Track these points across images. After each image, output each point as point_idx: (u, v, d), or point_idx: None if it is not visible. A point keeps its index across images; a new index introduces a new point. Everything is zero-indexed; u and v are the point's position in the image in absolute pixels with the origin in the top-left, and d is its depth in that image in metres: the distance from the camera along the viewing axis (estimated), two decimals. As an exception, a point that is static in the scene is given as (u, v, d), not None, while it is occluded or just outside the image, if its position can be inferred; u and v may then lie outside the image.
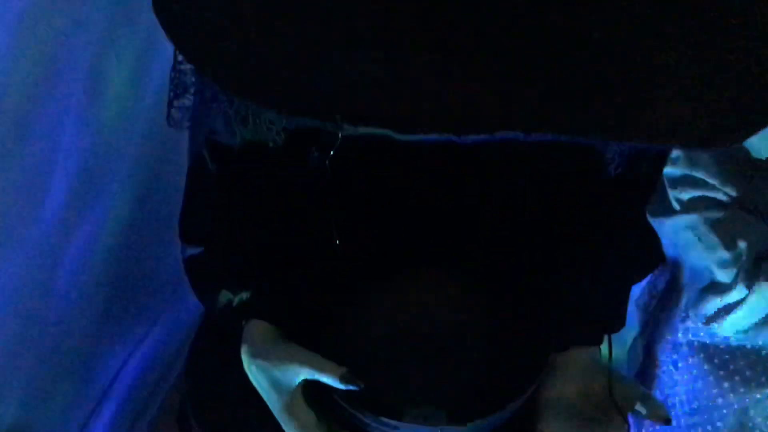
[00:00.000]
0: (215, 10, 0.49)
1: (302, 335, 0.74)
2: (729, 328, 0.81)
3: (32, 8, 0.73)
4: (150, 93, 1.01)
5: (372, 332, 0.78)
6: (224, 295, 0.78)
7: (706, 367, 0.90)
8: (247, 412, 0.78)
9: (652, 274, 1.04)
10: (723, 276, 0.77)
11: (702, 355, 0.90)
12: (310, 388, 0.72)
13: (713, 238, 0.76)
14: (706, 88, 0.45)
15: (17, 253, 0.84)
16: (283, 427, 0.73)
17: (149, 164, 1.09)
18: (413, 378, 0.77)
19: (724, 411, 0.92)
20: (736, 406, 0.92)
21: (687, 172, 0.77)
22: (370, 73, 0.43)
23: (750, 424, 0.94)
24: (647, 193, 0.82)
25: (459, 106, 0.42)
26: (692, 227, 0.77)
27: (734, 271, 0.76)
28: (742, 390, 0.90)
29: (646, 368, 0.98)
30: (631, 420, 0.79)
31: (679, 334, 0.91)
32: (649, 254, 0.86)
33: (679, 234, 0.79)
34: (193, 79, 0.76)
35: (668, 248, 0.82)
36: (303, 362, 0.70)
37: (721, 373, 0.90)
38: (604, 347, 0.82)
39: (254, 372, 0.74)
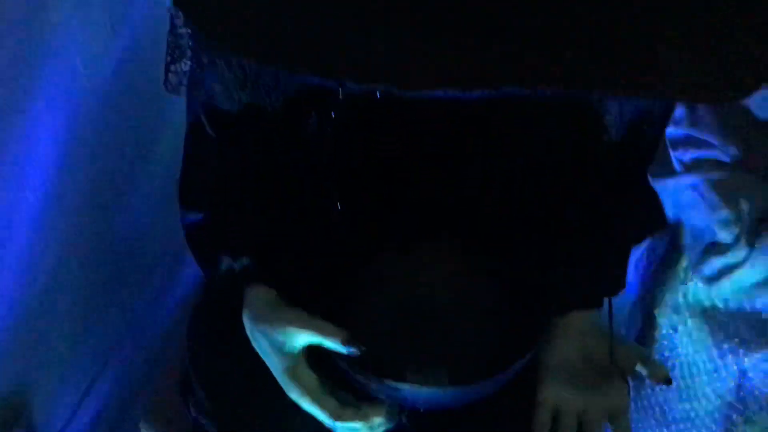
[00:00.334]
0: None
1: (304, 300, 0.74)
2: (730, 288, 0.81)
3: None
4: (140, 59, 1.00)
5: (374, 295, 0.79)
6: (225, 261, 0.78)
7: (705, 329, 0.91)
8: (249, 377, 0.78)
9: (652, 238, 1.04)
10: (724, 236, 0.77)
11: (701, 318, 0.91)
12: (312, 351, 0.72)
13: (715, 199, 0.76)
14: (712, 43, 0.45)
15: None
16: (286, 390, 0.73)
17: (146, 126, 1.08)
18: (415, 340, 0.77)
19: (724, 373, 0.93)
20: (735, 368, 0.92)
21: (689, 132, 0.77)
22: (374, 30, 0.43)
23: (749, 386, 0.95)
24: (648, 156, 0.82)
25: (464, 63, 0.42)
26: (694, 188, 0.77)
27: (736, 231, 0.76)
28: (741, 352, 0.90)
29: (645, 331, 0.98)
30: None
31: (679, 297, 0.92)
32: (650, 217, 0.86)
33: (681, 195, 0.79)
34: (190, 44, 0.75)
35: (669, 209, 0.82)
36: (305, 326, 0.71)
37: (721, 335, 0.90)
38: (604, 312, 0.83)
39: (257, 337, 0.74)
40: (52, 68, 0.80)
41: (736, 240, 0.76)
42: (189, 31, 0.73)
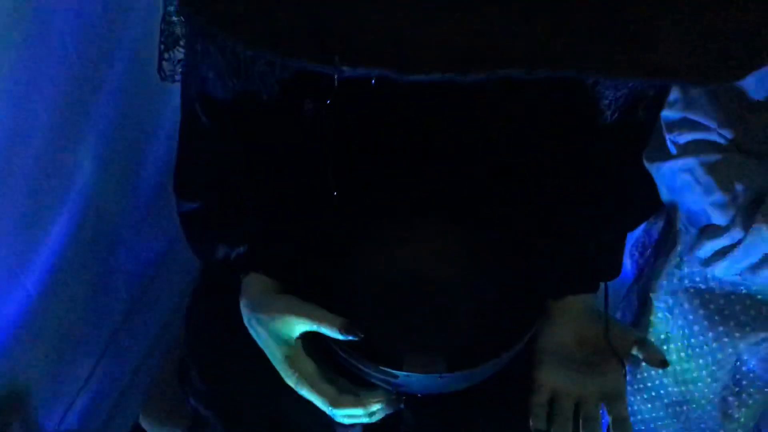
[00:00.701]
0: None
1: (300, 287, 0.74)
2: (725, 270, 0.81)
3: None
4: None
5: (370, 283, 0.79)
6: (221, 250, 0.78)
7: (701, 312, 0.91)
8: (247, 366, 0.78)
9: (647, 223, 1.04)
10: (719, 218, 0.77)
11: (697, 301, 0.91)
12: (309, 339, 0.72)
13: (710, 181, 0.76)
14: (705, 25, 0.45)
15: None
16: (284, 378, 0.73)
17: (141, 114, 1.08)
18: (412, 327, 0.77)
19: (719, 356, 0.93)
20: (730, 351, 0.93)
21: (684, 115, 0.77)
22: (370, 13, 0.42)
23: (744, 368, 0.95)
24: (643, 139, 0.82)
25: (460, 45, 0.42)
26: (689, 170, 0.77)
27: (731, 213, 0.76)
28: (737, 335, 0.91)
29: (641, 315, 0.98)
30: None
31: (675, 280, 0.92)
32: (645, 201, 0.86)
33: (676, 177, 0.79)
34: (183, 31, 0.74)
35: (665, 193, 0.82)
36: (302, 314, 0.71)
37: (716, 318, 0.91)
38: (600, 296, 0.83)
39: (254, 325, 0.74)
40: (46, 57, 0.80)
41: (731, 222, 0.76)
42: (182, 18, 0.73)
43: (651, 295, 0.95)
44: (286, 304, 0.72)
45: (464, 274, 0.80)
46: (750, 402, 0.98)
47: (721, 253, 0.78)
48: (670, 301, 0.93)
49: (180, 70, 0.75)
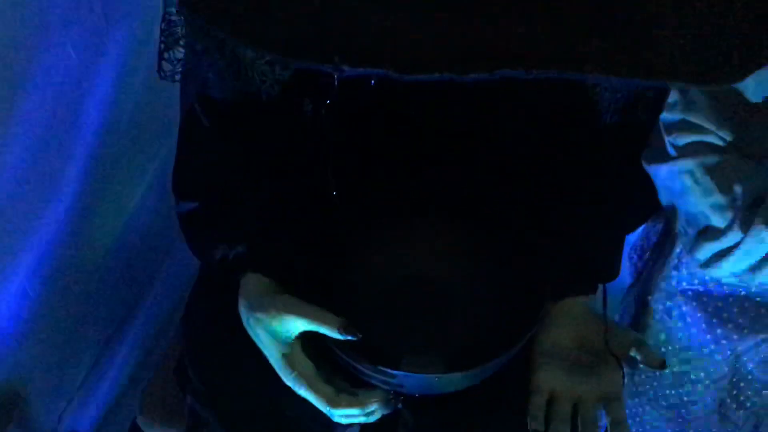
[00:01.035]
0: None
1: (299, 287, 0.74)
2: (723, 272, 0.81)
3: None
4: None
5: (369, 283, 0.79)
6: (220, 250, 0.78)
7: (699, 314, 0.91)
8: (245, 365, 0.79)
9: (646, 226, 1.04)
10: (718, 221, 0.77)
11: (695, 303, 0.91)
12: (308, 339, 0.72)
13: (709, 183, 0.76)
14: (706, 26, 0.45)
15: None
16: (283, 378, 0.73)
17: (141, 114, 1.08)
18: (410, 328, 0.77)
19: (718, 357, 0.93)
20: (729, 353, 0.93)
21: (683, 116, 0.77)
22: (370, 13, 0.42)
23: (743, 371, 0.95)
24: (642, 141, 0.82)
25: (460, 45, 0.41)
26: (688, 172, 0.77)
27: (729, 215, 0.76)
28: (735, 337, 0.91)
29: (639, 317, 0.98)
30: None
31: (673, 282, 0.92)
32: (644, 203, 0.86)
33: (675, 179, 0.79)
34: (183, 31, 0.74)
35: (663, 195, 0.82)
36: (301, 314, 0.71)
37: (715, 320, 0.90)
38: (598, 297, 0.83)
39: (252, 325, 0.74)
40: (45, 56, 0.80)
41: (730, 224, 0.76)
42: (182, 18, 0.73)
43: (649, 297, 0.95)
44: (284, 303, 0.72)
45: (463, 274, 0.80)
46: (748, 404, 0.98)
47: (720, 255, 0.78)
48: (669, 304, 0.93)
49: (180, 69, 0.75)
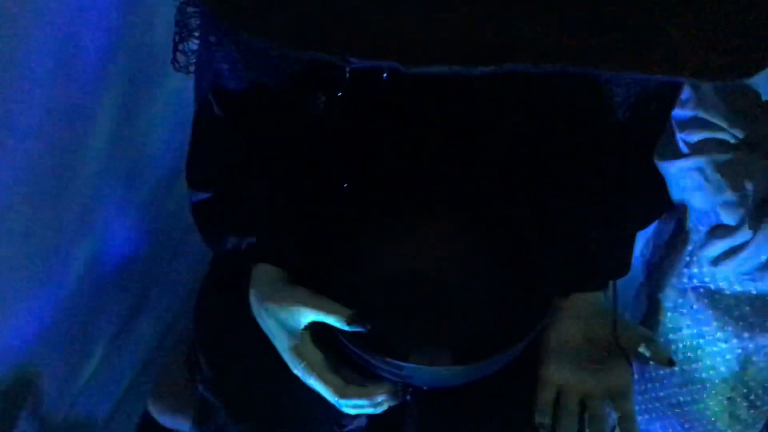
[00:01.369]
0: None
1: (309, 278, 0.75)
2: (735, 270, 0.81)
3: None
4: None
5: (379, 275, 0.79)
6: (231, 240, 0.78)
7: (710, 312, 0.91)
8: (256, 355, 0.79)
9: (657, 224, 1.04)
10: (729, 218, 0.76)
11: (706, 301, 0.91)
12: (317, 329, 0.73)
13: (720, 180, 0.76)
14: (718, 21, 0.45)
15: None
16: (291, 367, 0.74)
17: (155, 105, 1.08)
18: (419, 320, 0.77)
19: (728, 356, 0.93)
20: (739, 352, 0.92)
21: (695, 113, 0.76)
22: (378, 5, 0.43)
23: (753, 369, 0.95)
24: (655, 137, 0.81)
25: (468, 38, 0.42)
26: (699, 169, 0.77)
27: (741, 212, 0.75)
28: (745, 335, 0.90)
29: (649, 314, 0.98)
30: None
31: (684, 280, 0.91)
32: (656, 200, 0.86)
33: (686, 176, 0.78)
34: (198, 23, 0.75)
35: (675, 192, 0.82)
36: (310, 304, 0.71)
37: (725, 318, 0.90)
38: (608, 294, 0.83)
39: (262, 315, 0.75)
40: (60, 46, 0.81)
41: (741, 222, 0.76)
42: (196, 10, 0.73)
43: (660, 295, 0.95)
44: (294, 294, 0.73)
45: (472, 267, 0.81)
46: (758, 403, 0.98)
47: (731, 253, 0.78)
48: (679, 301, 0.93)
49: (194, 61, 0.76)
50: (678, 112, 0.78)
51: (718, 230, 0.79)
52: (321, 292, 0.72)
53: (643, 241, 1.08)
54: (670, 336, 0.96)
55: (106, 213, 1.04)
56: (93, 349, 1.12)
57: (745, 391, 0.97)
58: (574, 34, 0.42)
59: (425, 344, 0.74)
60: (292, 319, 0.72)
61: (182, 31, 0.76)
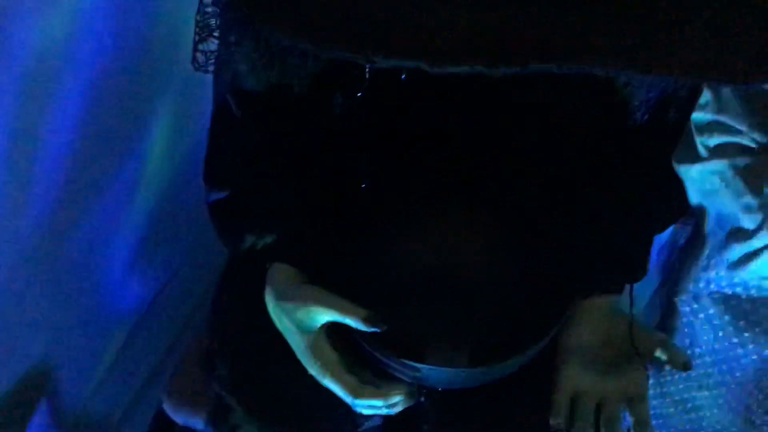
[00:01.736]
0: None
1: (325, 278, 0.75)
2: (752, 274, 0.81)
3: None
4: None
5: (395, 275, 0.79)
6: (248, 239, 0.79)
7: (726, 317, 0.90)
8: (271, 354, 0.79)
9: (675, 228, 1.03)
10: (748, 222, 0.76)
11: (723, 306, 0.90)
12: (332, 329, 0.73)
13: (740, 184, 0.75)
14: (740, 24, 0.44)
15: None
16: (307, 367, 0.74)
17: (174, 104, 1.09)
18: (435, 321, 0.77)
19: (744, 361, 0.93)
20: (755, 357, 0.92)
21: (715, 117, 0.76)
22: (402, 5, 0.43)
23: (769, 375, 0.94)
24: (674, 141, 0.81)
25: (491, 39, 0.42)
26: (719, 173, 0.77)
27: (760, 216, 0.75)
28: (762, 340, 0.90)
29: (666, 319, 0.98)
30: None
31: (700, 284, 0.91)
32: (674, 204, 0.86)
33: (705, 180, 0.78)
34: (217, 23, 0.75)
35: (694, 196, 0.82)
36: (326, 304, 0.71)
37: (742, 323, 0.90)
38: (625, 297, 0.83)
39: (278, 314, 0.75)
40: (81, 45, 0.81)
41: (760, 226, 0.75)
42: (217, 10, 0.73)
43: (676, 299, 0.95)
44: (310, 294, 0.73)
45: (490, 269, 0.80)
46: (774, 409, 0.97)
47: (749, 257, 0.78)
48: (696, 305, 0.93)
49: (213, 61, 0.76)
50: (697, 116, 0.77)
51: (737, 234, 0.78)
52: (337, 291, 0.72)
53: (659, 244, 1.08)
54: (687, 340, 0.96)
55: (120, 211, 1.04)
56: (109, 345, 1.12)
57: (761, 396, 0.97)
58: (598, 37, 0.42)
59: (442, 346, 0.74)
60: (308, 319, 0.73)
61: (202, 31, 0.76)
